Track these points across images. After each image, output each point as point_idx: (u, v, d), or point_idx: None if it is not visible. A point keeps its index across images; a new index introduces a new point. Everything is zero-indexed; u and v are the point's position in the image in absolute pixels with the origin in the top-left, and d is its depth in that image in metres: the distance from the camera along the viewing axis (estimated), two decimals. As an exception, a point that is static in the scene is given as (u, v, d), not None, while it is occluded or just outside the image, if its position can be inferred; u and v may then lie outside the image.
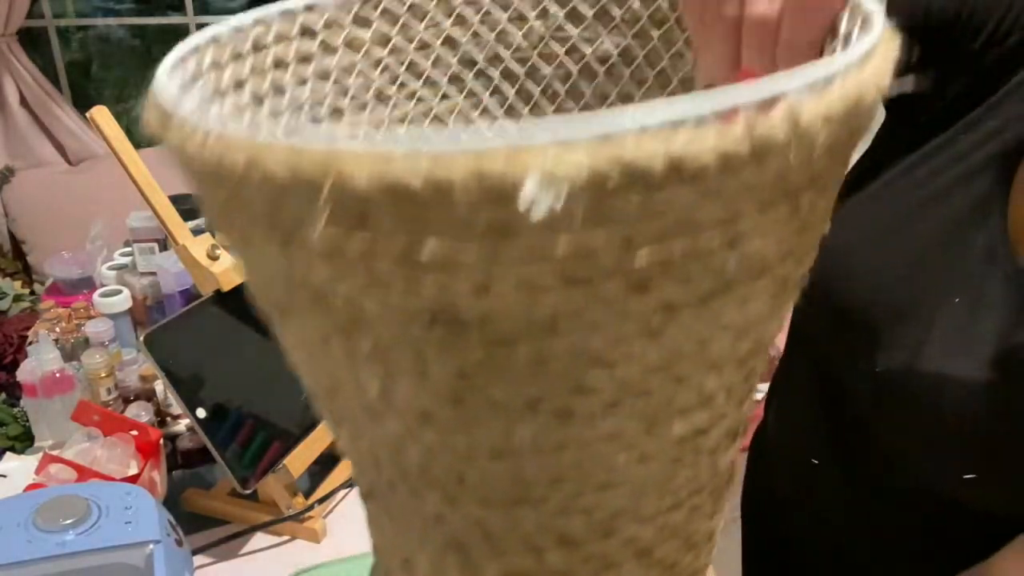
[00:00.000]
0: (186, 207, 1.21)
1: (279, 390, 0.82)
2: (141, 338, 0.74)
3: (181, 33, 2.58)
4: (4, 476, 0.87)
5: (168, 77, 0.28)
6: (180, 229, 0.83)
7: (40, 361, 0.93)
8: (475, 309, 0.22)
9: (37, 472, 0.78)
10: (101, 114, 0.80)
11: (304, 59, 0.38)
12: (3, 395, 1.01)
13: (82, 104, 2.41)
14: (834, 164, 0.24)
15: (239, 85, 0.34)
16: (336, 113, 0.39)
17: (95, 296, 1.11)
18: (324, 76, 0.39)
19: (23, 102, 2.22)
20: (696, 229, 0.22)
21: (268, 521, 0.82)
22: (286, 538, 0.83)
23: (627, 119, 0.19)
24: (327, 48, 0.38)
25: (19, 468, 0.88)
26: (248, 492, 0.78)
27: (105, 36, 2.82)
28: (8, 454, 0.93)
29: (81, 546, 0.59)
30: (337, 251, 0.22)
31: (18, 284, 1.32)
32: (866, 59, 0.23)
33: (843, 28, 0.31)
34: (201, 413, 0.75)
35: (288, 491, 0.83)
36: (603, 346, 0.24)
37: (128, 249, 1.29)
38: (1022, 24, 0.46)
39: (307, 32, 0.37)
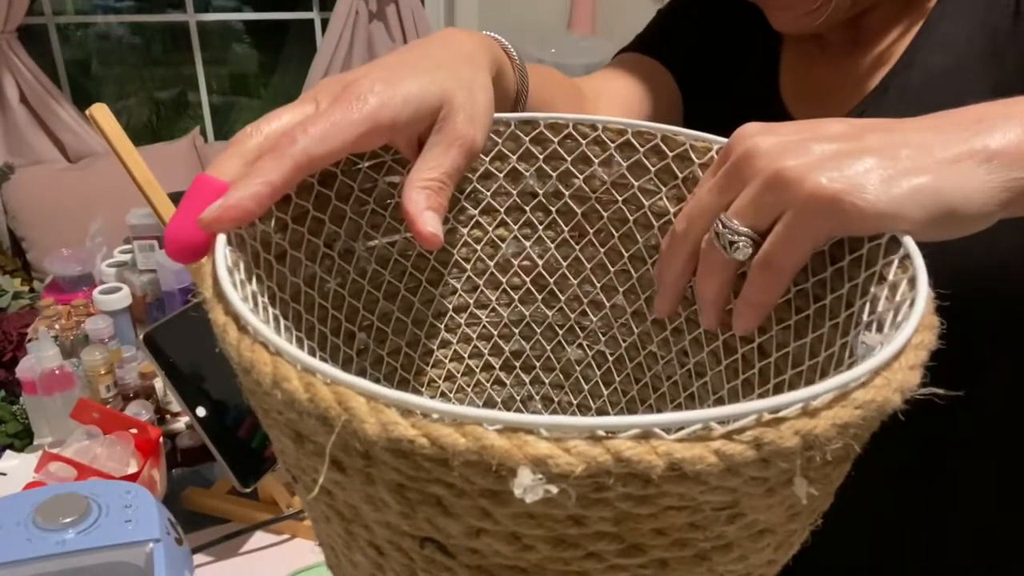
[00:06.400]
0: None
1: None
2: (141, 336, 0.74)
3: (181, 31, 2.58)
4: (4, 474, 0.87)
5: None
6: (180, 227, 0.83)
7: (40, 358, 0.93)
8: (465, 545, 0.23)
9: (37, 470, 0.78)
10: (100, 111, 0.79)
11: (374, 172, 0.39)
12: (2, 392, 1.01)
13: (82, 101, 2.40)
14: (848, 450, 0.22)
15: (305, 215, 0.35)
16: (393, 231, 0.41)
17: (95, 293, 1.10)
18: (384, 203, 0.40)
19: (23, 99, 2.21)
20: (695, 510, 0.22)
21: (268, 520, 0.82)
22: (286, 537, 0.82)
23: (630, 421, 0.19)
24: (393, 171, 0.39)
25: (19, 466, 0.88)
26: (248, 490, 0.78)
27: (105, 34, 2.82)
28: (7, 452, 0.93)
29: (81, 545, 0.59)
30: (340, 466, 0.23)
31: (17, 281, 1.32)
32: (896, 359, 0.22)
33: (891, 277, 0.27)
34: (201, 411, 0.75)
35: (288, 489, 0.82)
36: None
37: (128, 246, 1.29)
38: None
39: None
